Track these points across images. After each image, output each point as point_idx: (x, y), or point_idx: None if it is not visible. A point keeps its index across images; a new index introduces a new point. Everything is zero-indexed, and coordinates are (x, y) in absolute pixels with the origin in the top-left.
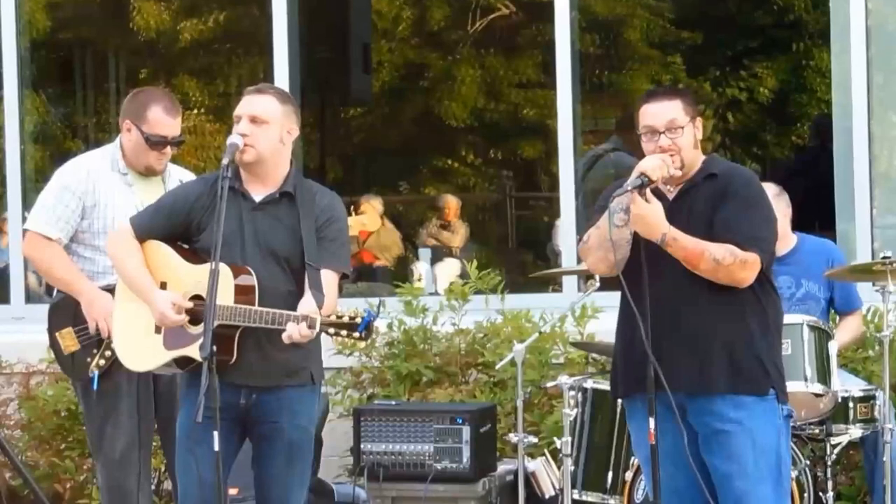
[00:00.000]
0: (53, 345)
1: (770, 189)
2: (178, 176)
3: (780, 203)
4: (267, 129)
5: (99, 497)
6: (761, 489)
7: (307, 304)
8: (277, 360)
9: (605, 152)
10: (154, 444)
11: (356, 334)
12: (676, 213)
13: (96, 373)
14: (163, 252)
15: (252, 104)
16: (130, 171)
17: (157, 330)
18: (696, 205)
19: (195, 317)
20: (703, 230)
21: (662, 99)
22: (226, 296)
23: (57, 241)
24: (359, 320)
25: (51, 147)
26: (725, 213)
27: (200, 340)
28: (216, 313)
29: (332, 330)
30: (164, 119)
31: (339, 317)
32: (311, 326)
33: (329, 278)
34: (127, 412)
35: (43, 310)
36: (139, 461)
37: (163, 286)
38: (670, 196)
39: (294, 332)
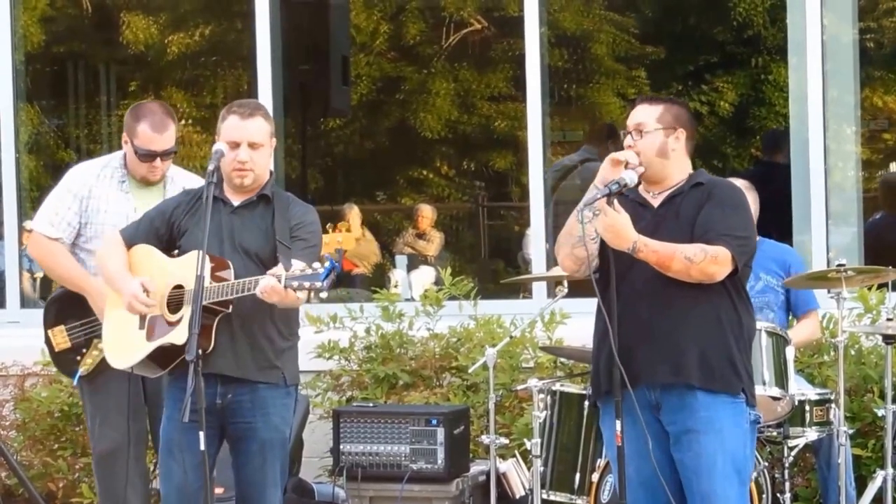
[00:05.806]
0: (47, 341)
1: (741, 183)
2: (182, 181)
3: (750, 194)
4: (262, 151)
5: (89, 495)
6: (726, 488)
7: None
8: (249, 351)
9: (577, 163)
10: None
11: (318, 284)
12: (662, 218)
13: (79, 370)
14: (146, 252)
15: (249, 130)
16: (129, 179)
17: (141, 325)
18: (682, 210)
19: (175, 304)
20: (689, 234)
21: (646, 103)
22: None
23: (58, 241)
24: (321, 270)
25: (44, 157)
26: (705, 214)
27: (181, 326)
28: (191, 296)
29: (295, 284)
30: (150, 135)
31: (301, 270)
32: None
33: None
34: (115, 412)
35: (38, 314)
36: (127, 461)
37: None
38: (655, 203)
39: (266, 282)
